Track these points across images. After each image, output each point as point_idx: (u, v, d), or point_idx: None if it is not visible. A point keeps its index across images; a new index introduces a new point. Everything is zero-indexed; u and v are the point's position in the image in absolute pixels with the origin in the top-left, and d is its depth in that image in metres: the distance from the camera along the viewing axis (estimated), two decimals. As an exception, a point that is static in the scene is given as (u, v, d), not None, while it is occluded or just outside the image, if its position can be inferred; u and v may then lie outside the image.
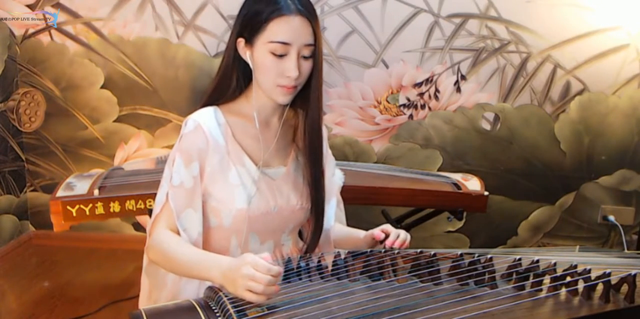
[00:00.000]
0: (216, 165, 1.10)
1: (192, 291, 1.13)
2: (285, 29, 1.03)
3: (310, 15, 1.04)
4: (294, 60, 1.04)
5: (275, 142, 1.16)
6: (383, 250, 1.09)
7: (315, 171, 1.16)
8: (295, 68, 1.04)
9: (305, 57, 1.06)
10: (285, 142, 1.19)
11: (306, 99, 1.12)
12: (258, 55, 1.06)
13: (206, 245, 1.13)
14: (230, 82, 1.13)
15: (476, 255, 1.03)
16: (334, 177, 1.32)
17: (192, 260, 1.02)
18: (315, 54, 1.07)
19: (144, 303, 1.19)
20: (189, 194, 1.09)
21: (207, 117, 1.10)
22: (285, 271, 1.06)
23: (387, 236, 1.14)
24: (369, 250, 1.09)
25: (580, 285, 0.94)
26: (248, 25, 1.06)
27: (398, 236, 1.14)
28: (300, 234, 1.28)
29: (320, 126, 1.14)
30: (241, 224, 1.12)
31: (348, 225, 1.35)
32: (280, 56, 1.04)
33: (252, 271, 0.88)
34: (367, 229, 1.21)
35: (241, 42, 1.08)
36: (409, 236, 1.16)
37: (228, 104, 1.14)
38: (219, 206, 1.11)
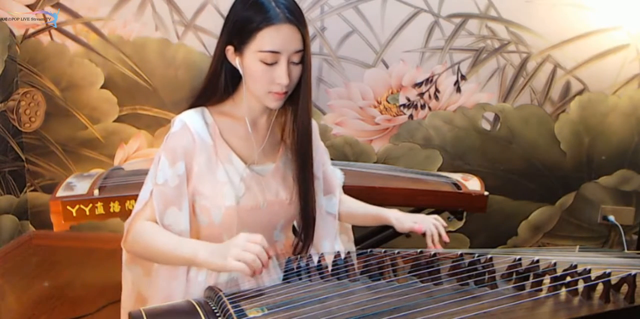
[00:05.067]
0: (204, 164, 1.11)
1: (179, 289, 1.14)
2: (274, 38, 1.03)
3: (298, 22, 1.04)
4: (284, 68, 1.04)
5: (265, 142, 1.17)
6: (383, 251, 1.09)
7: (302, 169, 1.17)
8: (286, 76, 1.05)
9: (294, 63, 1.06)
10: (274, 139, 1.20)
11: (295, 100, 1.12)
12: (248, 63, 1.06)
13: None
14: (217, 85, 1.13)
15: (476, 255, 1.02)
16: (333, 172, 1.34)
17: (176, 243, 1.04)
18: (304, 59, 1.07)
19: (127, 297, 1.21)
20: (173, 193, 1.09)
21: (194, 117, 1.11)
22: (285, 271, 1.06)
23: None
24: (369, 250, 1.09)
25: (580, 285, 0.94)
26: (237, 33, 1.06)
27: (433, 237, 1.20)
28: (295, 231, 1.28)
29: (309, 129, 1.15)
30: (231, 222, 1.12)
31: None
32: (271, 64, 1.04)
33: (245, 242, 0.93)
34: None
35: (230, 49, 1.09)
36: (442, 230, 1.21)
37: (216, 105, 1.15)
38: (208, 204, 1.12)
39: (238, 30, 1.06)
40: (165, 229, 1.08)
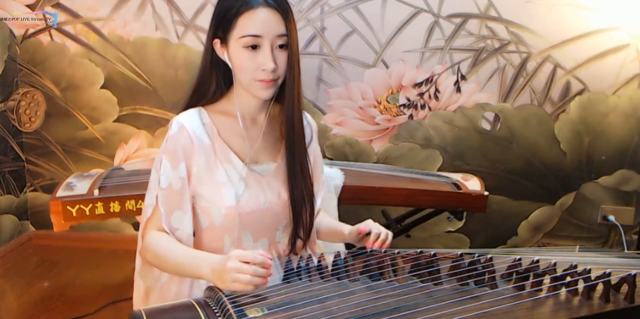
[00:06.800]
0: (202, 165, 1.10)
1: (184, 291, 1.13)
2: (254, 21, 1.03)
3: (278, 6, 1.04)
4: (268, 52, 1.04)
5: (261, 138, 1.16)
6: (383, 250, 1.09)
7: (292, 162, 1.15)
8: (271, 60, 1.04)
9: (280, 48, 1.06)
10: (274, 138, 1.19)
11: (284, 90, 1.11)
12: (233, 52, 1.07)
13: (200, 247, 1.13)
14: (209, 84, 1.13)
15: (476, 255, 1.02)
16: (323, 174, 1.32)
17: (184, 259, 1.04)
18: (289, 45, 1.06)
19: (140, 304, 1.19)
20: (177, 196, 1.09)
21: (191, 118, 1.11)
22: (285, 271, 1.06)
23: (368, 233, 1.14)
24: (369, 250, 1.09)
25: (580, 285, 0.94)
26: (220, 24, 1.07)
27: (378, 237, 1.13)
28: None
29: (295, 117, 1.12)
30: (232, 223, 1.12)
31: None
32: (254, 48, 1.04)
33: (238, 264, 0.91)
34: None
35: (217, 43, 1.09)
36: (390, 235, 1.14)
37: (212, 104, 1.15)
38: (208, 205, 1.11)
39: (221, 20, 1.07)
40: (174, 241, 1.08)
